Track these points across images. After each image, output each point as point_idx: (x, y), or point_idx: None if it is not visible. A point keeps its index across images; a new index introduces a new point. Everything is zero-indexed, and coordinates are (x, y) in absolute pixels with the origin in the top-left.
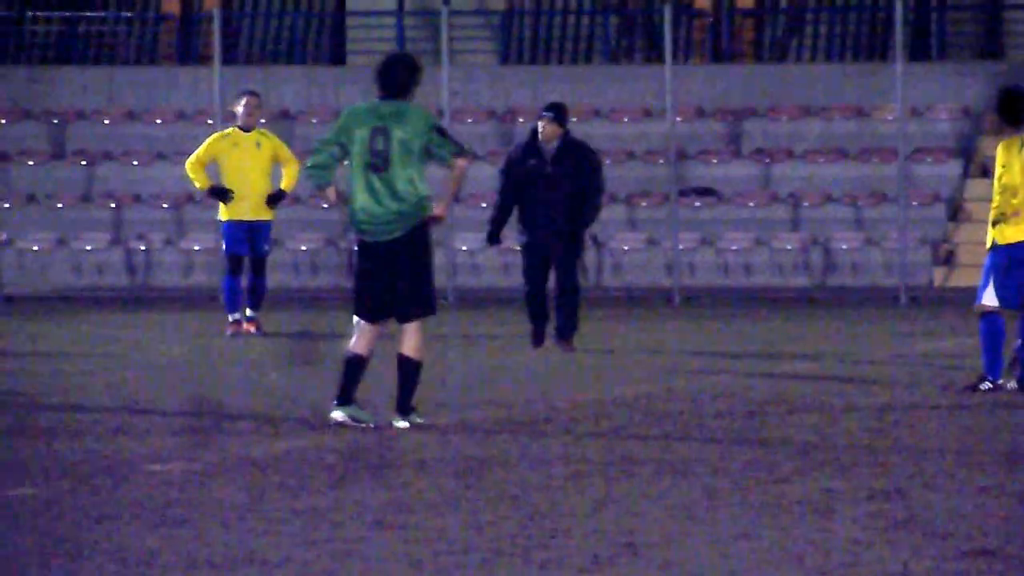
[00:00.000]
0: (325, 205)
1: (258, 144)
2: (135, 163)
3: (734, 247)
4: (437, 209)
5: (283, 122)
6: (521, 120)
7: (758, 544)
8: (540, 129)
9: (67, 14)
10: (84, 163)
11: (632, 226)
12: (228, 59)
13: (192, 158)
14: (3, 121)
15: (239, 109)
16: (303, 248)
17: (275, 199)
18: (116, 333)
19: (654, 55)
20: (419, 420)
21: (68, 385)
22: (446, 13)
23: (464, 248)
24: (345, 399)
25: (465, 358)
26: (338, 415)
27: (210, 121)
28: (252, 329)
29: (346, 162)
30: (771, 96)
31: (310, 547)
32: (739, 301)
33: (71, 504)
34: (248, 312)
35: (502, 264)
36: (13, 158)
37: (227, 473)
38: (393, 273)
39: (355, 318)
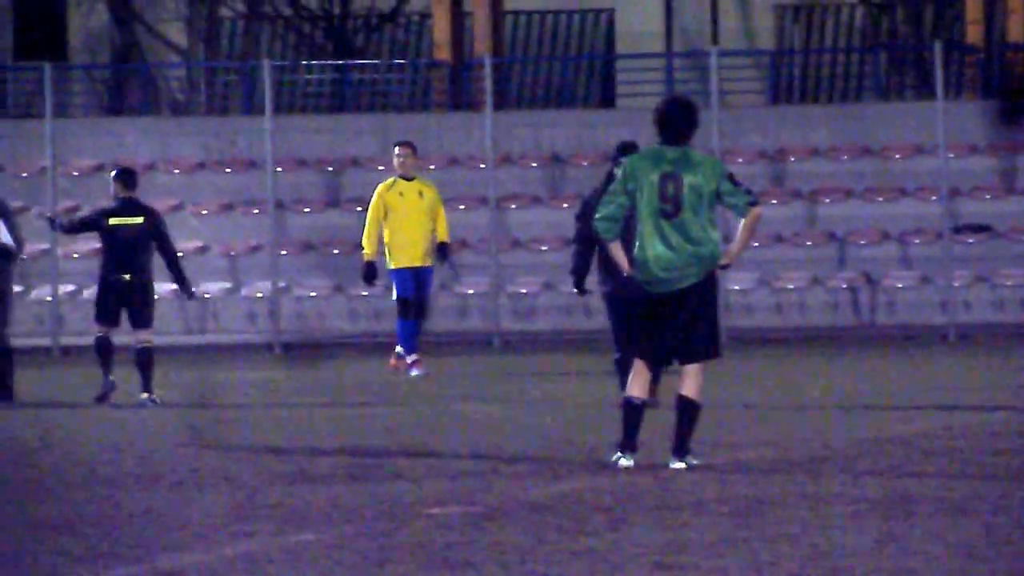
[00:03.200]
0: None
1: (421, 194)
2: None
3: (1009, 283)
4: (726, 258)
5: (554, 165)
6: (792, 160)
7: None
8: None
9: (340, 63)
10: (359, 209)
11: (905, 263)
12: (499, 104)
13: (371, 218)
14: (279, 169)
15: (396, 160)
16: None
17: (444, 254)
18: (394, 379)
19: (925, 91)
20: (695, 461)
21: (347, 430)
22: (715, 54)
23: (736, 288)
24: (630, 445)
25: (739, 398)
26: (626, 462)
27: (482, 165)
28: (400, 366)
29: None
30: None
31: None
32: (1015, 337)
33: (353, 548)
34: (399, 349)
35: (775, 304)
36: (289, 207)
37: (506, 515)
38: (681, 318)
39: (617, 359)
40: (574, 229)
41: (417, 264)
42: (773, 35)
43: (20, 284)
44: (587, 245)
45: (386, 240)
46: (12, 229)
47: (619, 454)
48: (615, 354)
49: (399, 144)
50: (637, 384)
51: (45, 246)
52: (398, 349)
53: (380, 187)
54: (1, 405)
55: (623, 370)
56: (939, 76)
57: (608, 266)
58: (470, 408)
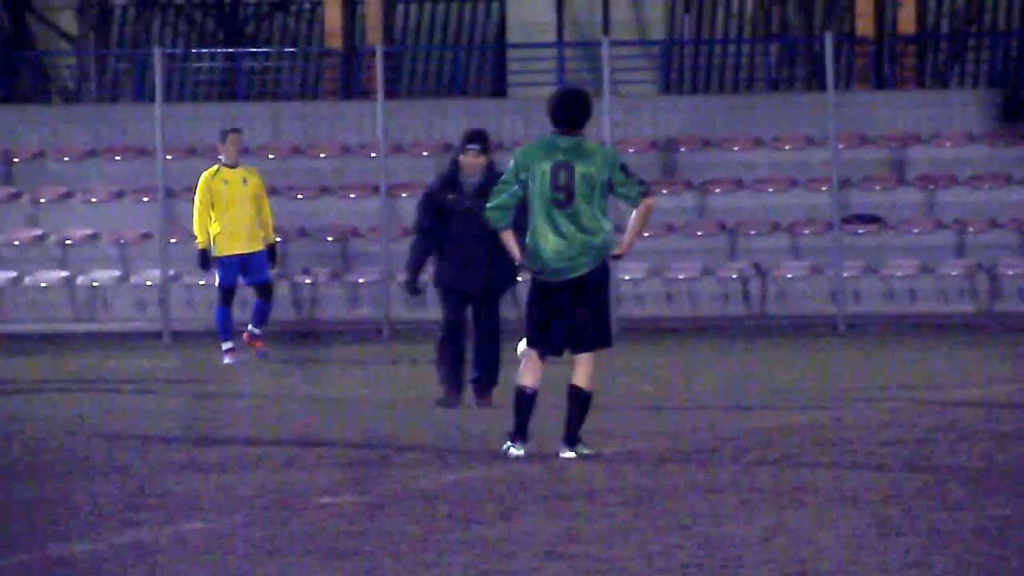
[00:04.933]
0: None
1: (244, 180)
2: (299, 197)
3: (899, 274)
4: (618, 248)
5: (445, 154)
6: (683, 149)
7: (930, 573)
8: (464, 162)
9: (232, 51)
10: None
11: (796, 254)
12: (390, 93)
13: (200, 207)
14: (170, 157)
15: (227, 147)
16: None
17: (273, 256)
18: (284, 367)
19: (816, 83)
20: (585, 451)
21: (238, 419)
22: (606, 44)
23: (627, 278)
24: (521, 434)
25: (630, 388)
26: (516, 451)
27: (373, 154)
28: (258, 346)
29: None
30: (934, 122)
31: None
32: (904, 328)
33: (243, 537)
34: (251, 328)
35: (665, 293)
36: (179, 195)
37: (397, 504)
38: (573, 308)
39: (520, 350)
40: (413, 220)
41: (244, 251)
42: (664, 25)
43: None
44: (426, 237)
45: (212, 229)
46: None
47: (510, 443)
48: (438, 339)
49: (233, 131)
50: (529, 373)
51: None
52: (252, 329)
53: (204, 175)
54: None
55: (442, 357)
56: (830, 67)
57: (444, 260)
58: (361, 397)
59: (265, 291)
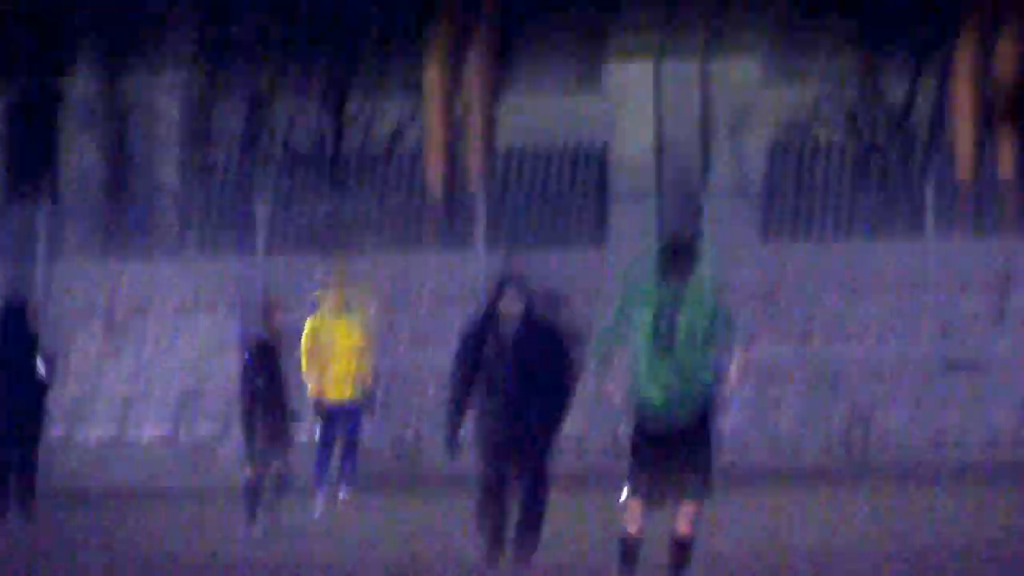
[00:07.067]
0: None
1: (348, 327)
2: (399, 348)
3: (1002, 421)
4: (719, 396)
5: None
6: (784, 297)
7: None
8: (501, 308)
9: (333, 202)
10: None
11: (897, 401)
12: (492, 242)
13: (304, 355)
14: None
15: (327, 294)
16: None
17: (371, 405)
18: (383, 516)
19: (915, 229)
20: None
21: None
22: (705, 197)
23: (729, 426)
24: None
25: (732, 538)
26: None
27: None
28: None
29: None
30: None
31: None
32: (1008, 474)
33: None
34: (341, 495)
35: (768, 441)
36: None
37: None
38: (677, 456)
39: (623, 498)
40: (450, 371)
41: (342, 397)
42: (763, 176)
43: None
44: (466, 388)
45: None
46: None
47: None
48: (477, 495)
49: (334, 274)
50: (633, 522)
51: None
52: (341, 497)
53: (308, 322)
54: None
55: (482, 514)
56: (929, 215)
57: (482, 412)
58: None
59: (352, 444)
